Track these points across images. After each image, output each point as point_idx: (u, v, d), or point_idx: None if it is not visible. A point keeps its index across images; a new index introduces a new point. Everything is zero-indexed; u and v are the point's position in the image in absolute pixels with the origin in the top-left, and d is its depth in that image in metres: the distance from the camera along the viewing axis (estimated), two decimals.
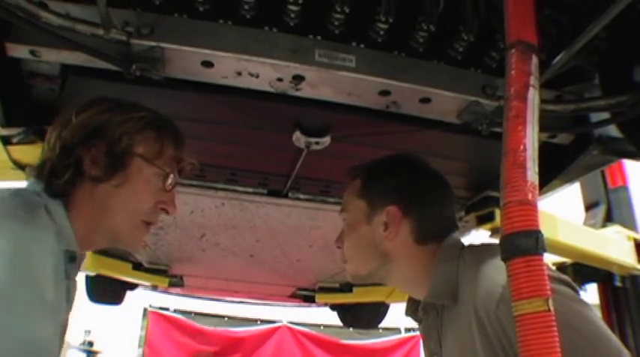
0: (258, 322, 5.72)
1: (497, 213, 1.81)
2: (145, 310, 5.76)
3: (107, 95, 1.35)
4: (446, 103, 1.36)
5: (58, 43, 1.17)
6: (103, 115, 1.06)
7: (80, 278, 2.37)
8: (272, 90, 1.29)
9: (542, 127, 1.46)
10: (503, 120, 0.95)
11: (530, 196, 0.85)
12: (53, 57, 1.26)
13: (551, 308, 0.78)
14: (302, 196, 1.94)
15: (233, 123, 1.48)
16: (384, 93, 1.31)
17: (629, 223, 2.98)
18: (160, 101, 1.42)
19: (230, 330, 5.50)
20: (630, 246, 2.58)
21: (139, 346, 6.35)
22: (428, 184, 1.24)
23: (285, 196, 1.92)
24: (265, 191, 1.91)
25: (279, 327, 5.68)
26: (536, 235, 0.82)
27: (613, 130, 1.53)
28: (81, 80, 1.37)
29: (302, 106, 1.35)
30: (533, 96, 0.95)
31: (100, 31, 1.13)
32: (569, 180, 1.71)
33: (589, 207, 3.27)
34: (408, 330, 6.31)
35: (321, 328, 5.92)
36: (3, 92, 1.36)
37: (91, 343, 8.39)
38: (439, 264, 1.16)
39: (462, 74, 1.35)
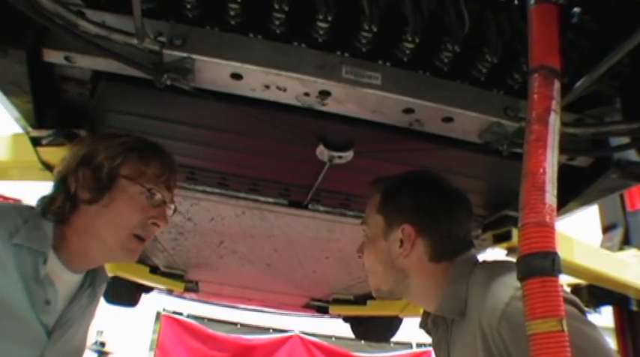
0: (271, 331, 5.74)
1: (514, 232, 1.82)
2: (158, 313, 5.83)
3: (136, 101, 1.42)
4: (468, 122, 1.38)
5: (94, 51, 1.21)
6: (90, 146, 1.25)
7: None
8: (298, 104, 1.32)
9: (562, 150, 1.48)
10: (524, 142, 0.97)
11: (548, 218, 0.87)
12: (87, 63, 1.30)
13: (565, 329, 0.79)
14: (322, 208, 1.97)
15: (258, 134, 1.52)
16: (408, 111, 1.33)
17: None
18: (187, 110, 1.48)
19: (242, 337, 5.53)
20: None
21: (150, 349, 6.41)
22: (445, 203, 1.27)
23: (305, 208, 1.96)
24: (286, 202, 1.95)
25: (290, 336, 5.69)
26: (553, 256, 0.84)
27: (632, 155, 1.54)
28: (111, 86, 1.41)
29: (327, 120, 1.38)
30: (555, 120, 0.97)
31: (134, 41, 1.17)
32: (587, 202, 1.72)
33: (606, 229, 3.25)
34: (419, 345, 6.28)
35: (333, 339, 5.92)
36: (36, 95, 1.40)
37: (102, 344, 8.49)
38: (450, 280, 1.20)
39: (485, 95, 1.37)
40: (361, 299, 3.54)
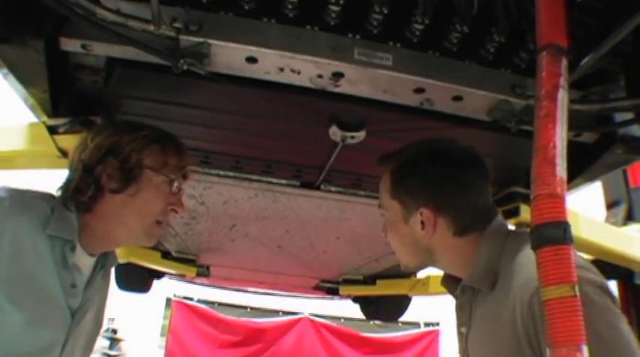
0: (280, 314, 5.82)
1: (523, 208, 1.87)
2: (169, 299, 5.92)
3: (151, 87, 1.45)
4: (477, 101, 1.41)
5: (111, 38, 1.25)
6: (114, 137, 1.27)
7: None
8: (312, 86, 1.36)
9: (569, 126, 1.53)
10: (533, 118, 1.00)
11: (558, 190, 0.91)
12: (103, 50, 1.34)
13: (578, 294, 0.83)
14: (333, 189, 2.02)
15: (272, 117, 1.56)
16: (419, 90, 1.37)
17: None
18: (202, 94, 1.51)
19: (252, 320, 5.62)
20: None
21: (162, 334, 6.53)
22: (457, 176, 1.23)
23: (318, 188, 2.00)
24: (298, 183, 1.99)
25: (300, 319, 5.78)
26: (564, 225, 0.88)
27: (636, 130, 1.58)
28: (127, 72, 1.44)
29: (339, 101, 1.42)
30: (563, 96, 1.00)
31: (151, 27, 1.20)
32: (592, 178, 1.76)
33: (610, 205, 3.28)
34: (427, 324, 6.35)
35: (342, 320, 6.00)
36: (52, 84, 1.45)
37: (114, 331, 8.64)
38: (481, 252, 1.19)
39: (493, 74, 1.40)
40: (370, 279, 3.60)
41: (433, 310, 4.72)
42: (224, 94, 1.48)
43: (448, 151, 1.27)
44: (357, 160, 1.75)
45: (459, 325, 1.30)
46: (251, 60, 1.29)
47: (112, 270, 1.48)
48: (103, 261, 1.36)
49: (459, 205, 1.22)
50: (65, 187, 1.28)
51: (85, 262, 1.28)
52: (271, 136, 1.68)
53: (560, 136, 0.97)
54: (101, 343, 8.05)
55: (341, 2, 1.21)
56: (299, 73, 1.31)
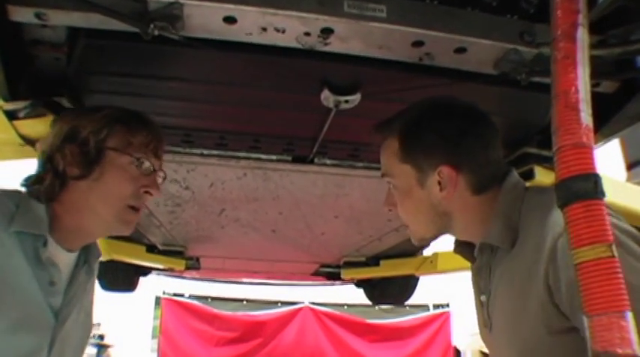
0: (279, 305, 5.79)
1: (537, 170, 1.84)
2: (158, 298, 5.87)
3: (121, 59, 1.40)
4: (482, 52, 1.37)
5: (69, 4, 1.18)
6: (72, 122, 1.28)
7: None
8: (299, 46, 1.30)
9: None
10: (551, 63, 0.96)
11: (585, 139, 0.87)
12: (62, 19, 1.25)
13: (616, 254, 0.79)
14: (329, 162, 1.97)
15: (257, 84, 1.50)
16: (417, 44, 1.32)
17: None
18: (178, 63, 1.46)
19: (249, 314, 5.58)
20: None
21: (153, 336, 6.51)
22: (474, 129, 1.21)
23: (311, 162, 1.95)
24: (290, 158, 1.94)
25: (300, 308, 5.75)
26: (595, 178, 0.84)
27: None
28: (92, 44, 1.38)
29: (330, 62, 1.37)
30: (582, 35, 0.95)
31: None
32: (613, 132, 1.71)
33: (630, 166, 3.27)
34: (436, 306, 6.36)
35: (345, 307, 6.00)
36: (5, 63, 1.36)
37: (101, 337, 8.62)
38: (500, 208, 1.17)
39: (498, 21, 1.35)
40: (373, 260, 3.58)
41: (442, 290, 4.72)
42: (203, 62, 1.43)
43: (458, 106, 1.26)
44: (353, 127, 1.71)
45: (478, 293, 1.30)
46: (229, 20, 1.23)
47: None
48: (85, 256, 1.35)
49: (479, 159, 1.20)
50: (27, 179, 1.28)
51: (63, 257, 1.27)
52: (258, 107, 1.62)
53: (583, 80, 0.93)
54: (87, 350, 8.03)
55: None
56: (284, 31, 1.25)
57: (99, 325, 8.20)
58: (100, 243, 1.48)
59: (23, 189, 1.28)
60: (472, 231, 1.25)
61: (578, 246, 0.82)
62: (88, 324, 1.43)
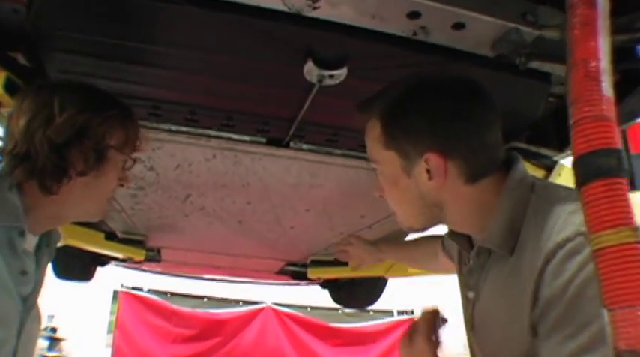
0: (240, 303, 5.62)
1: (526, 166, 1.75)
2: (116, 292, 5.62)
3: (84, 14, 1.27)
4: (482, 29, 1.27)
5: None
6: (85, 115, 1.21)
7: None
8: (284, 9, 1.18)
9: None
10: (567, 30, 0.87)
11: (607, 111, 0.78)
12: None
13: None
14: (305, 147, 1.84)
15: (233, 51, 1.37)
16: (414, 15, 1.21)
17: None
18: (149, 22, 1.31)
19: (210, 312, 5.39)
20: None
21: (109, 331, 6.26)
22: (467, 108, 1.06)
23: (286, 146, 1.82)
24: (264, 140, 1.81)
25: (262, 308, 5.58)
26: (618, 153, 0.74)
27: None
28: None
29: (316, 30, 1.25)
30: (603, 1, 0.87)
31: None
32: None
33: None
34: (400, 312, 6.30)
35: (308, 309, 5.87)
36: None
37: (54, 329, 8.28)
38: (502, 207, 1.05)
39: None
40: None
41: (407, 296, 4.62)
42: (176, 20, 1.28)
43: (449, 82, 1.11)
44: (335, 107, 1.59)
45: (466, 289, 1.21)
46: None
47: None
48: (48, 238, 1.33)
49: (471, 144, 1.06)
50: (14, 164, 1.18)
51: (32, 243, 1.25)
52: (233, 78, 1.48)
53: (603, 48, 0.83)
54: (39, 344, 7.70)
55: None
56: None
57: (52, 317, 7.88)
58: None
59: None
60: (468, 224, 1.15)
61: (598, 230, 0.71)
62: (39, 310, 1.35)
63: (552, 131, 1.80)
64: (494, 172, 1.08)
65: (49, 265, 1.39)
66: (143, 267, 4.08)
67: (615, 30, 1.33)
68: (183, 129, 1.75)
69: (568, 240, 0.92)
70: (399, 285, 4.31)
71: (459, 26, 1.26)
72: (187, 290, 5.38)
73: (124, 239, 3.12)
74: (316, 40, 1.29)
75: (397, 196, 1.15)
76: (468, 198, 1.09)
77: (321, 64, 1.33)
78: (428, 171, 1.06)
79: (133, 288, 5.28)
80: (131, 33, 1.35)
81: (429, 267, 1.89)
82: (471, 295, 1.17)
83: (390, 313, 6.25)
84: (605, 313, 0.69)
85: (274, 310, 5.60)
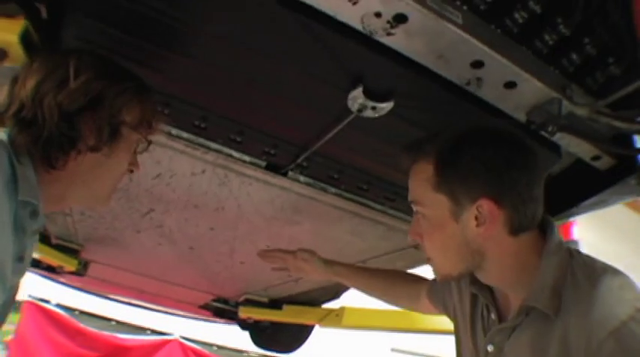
0: (148, 332, 5.12)
1: None
2: (18, 302, 4.91)
3: None
4: (529, 93, 1.22)
5: None
6: (101, 82, 1.05)
7: None
8: (357, 26, 1.07)
9: (599, 141, 1.40)
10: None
11: None
12: None
13: None
14: (302, 179, 1.68)
15: (277, 54, 1.18)
16: (477, 64, 1.14)
17: None
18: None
19: (116, 336, 4.83)
20: None
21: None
22: (521, 160, 1.05)
23: (284, 175, 1.65)
24: (264, 164, 1.63)
25: (170, 340, 5.09)
26: None
27: None
28: None
29: (378, 57, 1.14)
30: None
31: None
32: (596, 207, 1.64)
33: None
34: None
35: (214, 348, 5.46)
36: None
37: None
38: (545, 265, 1.02)
39: (546, 69, 1.23)
40: (277, 303, 3.23)
41: (314, 346, 4.40)
42: (226, 4, 1.10)
43: (504, 132, 1.10)
44: (355, 143, 1.47)
45: (484, 341, 1.16)
46: None
47: None
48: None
49: (522, 195, 1.03)
50: (17, 129, 0.99)
51: (40, 226, 1.07)
52: (264, 87, 1.29)
53: None
54: None
55: None
56: (355, 3, 1.01)
57: None
58: None
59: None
60: (504, 277, 1.09)
61: None
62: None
63: None
64: (533, 228, 1.07)
65: None
66: (60, 279, 3.60)
67: (616, 118, 1.36)
68: (184, 135, 1.53)
69: (624, 322, 0.89)
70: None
71: (510, 85, 1.20)
72: (96, 310, 4.83)
73: (58, 245, 2.72)
74: (375, 68, 1.17)
75: (441, 241, 1.09)
76: (510, 250, 1.05)
77: (371, 93, 1.21)
78: (477, 217, 1.03)
79: (41, 300, 4.65)
80: (169, 8, 1.13)
81: (400, 304, 1.78)
82: (490, 348, 1.13)
83: None
84: None
85: (181, 343, 5.14)
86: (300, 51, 1.16)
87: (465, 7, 1.09)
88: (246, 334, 4.02)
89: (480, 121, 1.32)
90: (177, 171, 1.74)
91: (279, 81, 1.28)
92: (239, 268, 2.68)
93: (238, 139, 1.52)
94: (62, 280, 3.67)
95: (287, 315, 3.21)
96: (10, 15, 1.15)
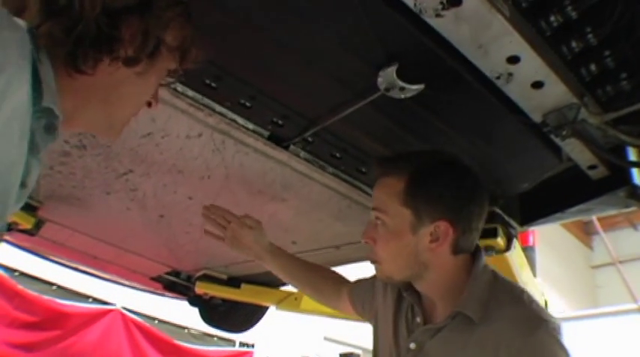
0: (90, 300, 4.88)
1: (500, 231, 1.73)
2: None
3: None
4: (552, 94, 1.23)
5: None
6: None
7: None
8: (409, 3, 1.03)
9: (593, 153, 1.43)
10: None
11: None
12: None
13: None
14: (302, 154, 1.62)
15: (310, 15, 1.12)
16: (513, 59, 1.13)
17: None
18: None
19: (56, 301, 4.56)
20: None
21: None
22: (479, 197, 1.24)
23: (285, 148, 1.60)
24: (267, 134, 1.57)
25: (111, 310, 4.87)
26: None
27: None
28: None
29: (421, 37, 1.11)
30: None
31: None
32: (584, 213, 1.69)
33: None
34: (242, 344, 5.98)
35: (156, 322, 5.28)
36: None
37: None
38: (476, 283, 1.20)
39: (569, 75, 1.24)
40: (235, 281, 3.15)
41: (250, 330, 4.35)
42: None
43: (470, 170, 1.26)
44: (368, 123, 1.43)
45: (406, 339, 1.29)
46: None
47: None
48: None
49: (471, 225, 1.23)
50: (44, 15, 0.80)
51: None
52: (291, 51, 1.23)
53: None
54: None
55: None
56: None
57: None
58: None
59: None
60: (440, 289, 1.25)
61: None
62: None
63: (517, 207, 1.82)
64: (468, 252, 1.26)
65: None
66: (4, 237, 3.36)
67: (624, 131, 1.40)
68: (190, 93, 1.44)
69: (541, 332, 1.11)
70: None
71: (538, 85, 1.21)
72: (38, 273, 4.55)
73: None
74: (414, 48, 1.14)
75: (393, 248, 1.22)
76: (448, 266, 1.22)
77: (404, 74, 1.18)
78: (431, 234, 1.19)
79: None
80: None
81: (323, 300, 1.81)
82: (413, 346, 1.26)
83: (232, 342, 5.90)
84: None
85: (122, 314, 4.93)
86: (339, 15, 1.11)
87: (510, 2, 1.08)
88: (187, 310, 3.91)
89: (499, 118, 1.33)
90: (172, 131, 1.64)
91: (307, 46, 1.22)
92: (206, 241, 2.56)
93: (248, 104, 1.45)
94: (7, 238, 3.42)
95: (244, 294, 3.13)
96: None
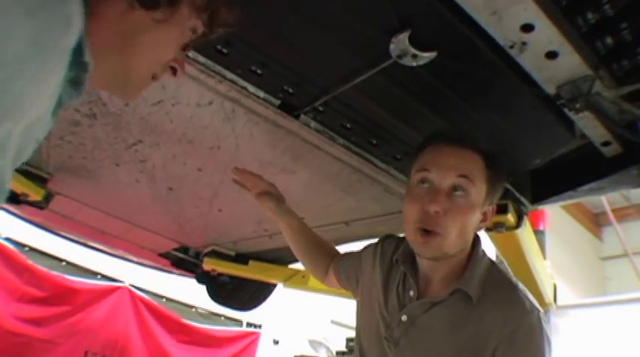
0: (99, 277, 4.95)
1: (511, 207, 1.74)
2: None
3: None
4: (567, 65, 1.22)
5: None
6: None
7: None
8: None
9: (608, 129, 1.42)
10: None
11: None
12: None
13: None
14: (313, 124, 1.63)
15: None
16: (527, 28, 1.13)
17: None
18: None
19: (65, 277, 4.63)
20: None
21: None
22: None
23: (296, 117, 1.61)
24: (278, 102, 1.58)
25: (119, 287, 4.94)
26: None
27: None
28: None
29: (434, 4, 1.11)
30: None
31: None
32: (597, 192, 1.69)
33: None
34: (249, 325, 6.04)
35: (164, 300, 5.35)
36: None
37: None
38: (477, 264, 1.28)
39: (584, 46, 1.23)
40: (243, 258, 3.19)
41: (258, 311, 4.40)
42: None
43: None
44: (379, 92, 1.44)
45: (398, 309, 1.32)
46: None
47: None
48: None
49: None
50: None
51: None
52: (302, 16, 1.23)
53: None
54: None
55: None
56: None
57: None
58: None
59: None
60: (450, 269, 1.29)
61: None
62: None
63: (529, 185, 1.82)
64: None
65: None
66: (14, 210, 3.42)
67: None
68: (201, 59, 1.44)
69: (532, 317, 1.20)
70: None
71: (552, 55, 1.20)
72: (48, 248, 4.62)
73: (25, 171, 2.56)
74: (427, 14, 1.15)
75: (465, 221, 1.22)
76: (467, 249, 1.31)
77: (417, 41, 1.19)
78: (484, 214, 1.27)
79: None
80: None
81: (314, 271, 1.80)
82: (404, 318, 1.29)
83: (239, 322, 5.96)
84: None
85: (130, 291, 5.00)
86: None
87: None
88: (195, 289, 3.96)
89: (512, 90, 1.33)
90: (182, 99, 1.66)
91: (319, 11, 1.22)
92: (215, 215, 2.62)
93: (259, 71, 1.46)
94: (16, 211, 3.48)
95: (252, 271, 3.17)
96: None
